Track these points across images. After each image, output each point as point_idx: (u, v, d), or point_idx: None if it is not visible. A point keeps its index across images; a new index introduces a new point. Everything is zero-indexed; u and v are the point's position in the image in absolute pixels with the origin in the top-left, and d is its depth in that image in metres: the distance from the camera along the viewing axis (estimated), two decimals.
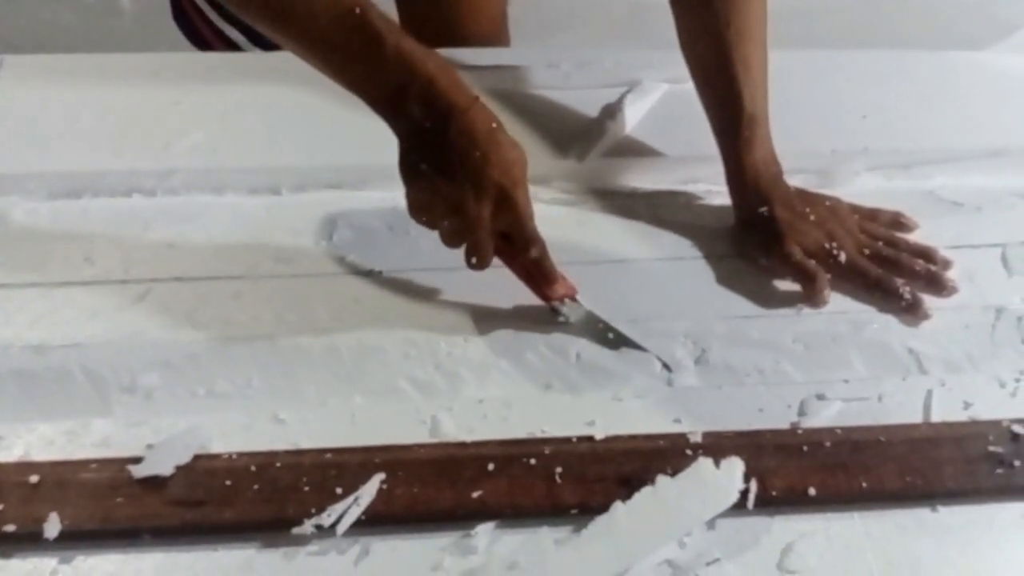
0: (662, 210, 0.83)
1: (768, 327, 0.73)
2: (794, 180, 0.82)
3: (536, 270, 0.71)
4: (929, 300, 0.75)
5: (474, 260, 0.69)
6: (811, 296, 0.75)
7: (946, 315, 0.74)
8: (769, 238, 0.77)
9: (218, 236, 0.78)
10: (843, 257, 0.76)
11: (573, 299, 0.72)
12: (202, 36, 1.10)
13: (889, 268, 0.76)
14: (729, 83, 0.79)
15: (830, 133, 0.89)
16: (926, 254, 0.78)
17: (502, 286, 0.73)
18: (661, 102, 0.92)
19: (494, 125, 0.67)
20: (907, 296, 0.74)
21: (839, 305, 0.75)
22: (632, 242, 0.80)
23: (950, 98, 0.95)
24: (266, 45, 1.09)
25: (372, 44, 0.64)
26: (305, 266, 0.76)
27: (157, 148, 0.83)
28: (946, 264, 0.78)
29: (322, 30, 0.64)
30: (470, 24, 1.10)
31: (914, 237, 0.81)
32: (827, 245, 0.76)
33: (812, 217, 0.78)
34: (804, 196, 0.80)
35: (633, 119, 0.89)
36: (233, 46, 1.09)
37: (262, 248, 0.77)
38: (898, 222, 0.82)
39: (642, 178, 0.87)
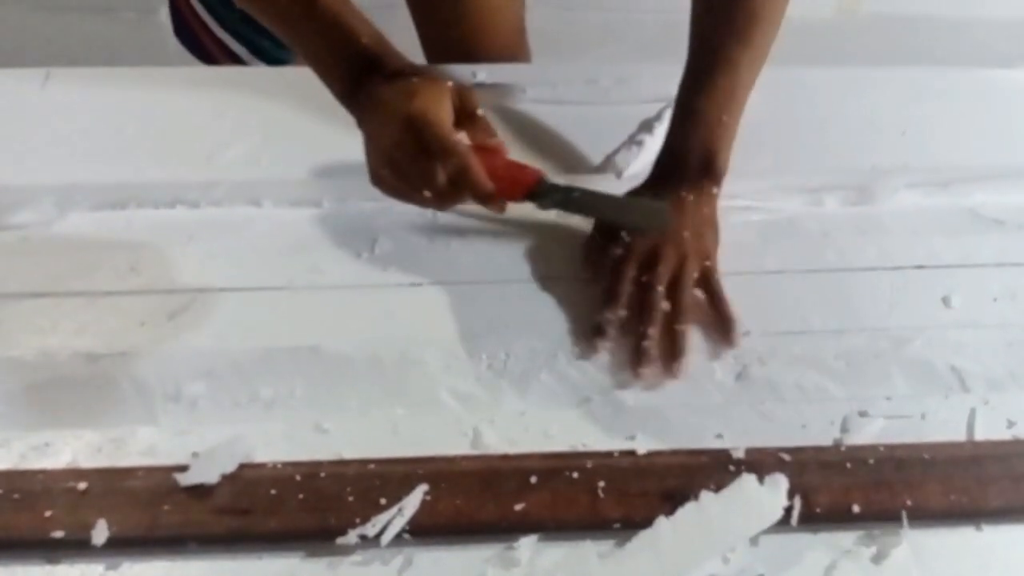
0: None
1: (810, 343, 0.72)
2: (833, 196, 0.81)
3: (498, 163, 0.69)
4: (973, 318, 0.74)
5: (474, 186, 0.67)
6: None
7: (989, 333, 0.74)
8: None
9: (261, 247, 0.79)
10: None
11: (544, 180, 0.70)
12: (206, 49, 1.11)
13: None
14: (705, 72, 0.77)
15: (870, 149, 0.89)
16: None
17: (543, 299, 0.74)
18: None
19: (414, 79, 0.67)
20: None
21: (880, 322, 0.74)
22: None
23: (990, 115, 0.94)
24: (268, 59, 1.11)
25: (321, 20, 0.69)
26: (347, 278, 0.76)
27: (200, 160, 0.84)
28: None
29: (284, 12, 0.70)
30: (488, 40, 1.09)
31: (961, 255, 0.79)
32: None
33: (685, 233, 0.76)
34: (696, 216, 0.77)
35: None
36: (236, 59, 1.11)
37: (304, 259, 0.78)
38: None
39: None
